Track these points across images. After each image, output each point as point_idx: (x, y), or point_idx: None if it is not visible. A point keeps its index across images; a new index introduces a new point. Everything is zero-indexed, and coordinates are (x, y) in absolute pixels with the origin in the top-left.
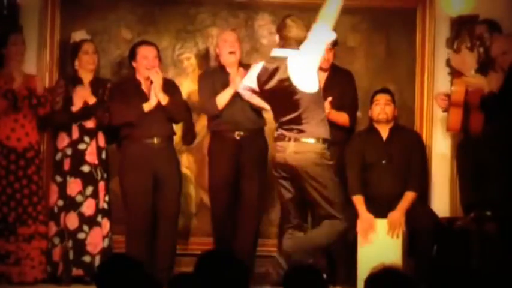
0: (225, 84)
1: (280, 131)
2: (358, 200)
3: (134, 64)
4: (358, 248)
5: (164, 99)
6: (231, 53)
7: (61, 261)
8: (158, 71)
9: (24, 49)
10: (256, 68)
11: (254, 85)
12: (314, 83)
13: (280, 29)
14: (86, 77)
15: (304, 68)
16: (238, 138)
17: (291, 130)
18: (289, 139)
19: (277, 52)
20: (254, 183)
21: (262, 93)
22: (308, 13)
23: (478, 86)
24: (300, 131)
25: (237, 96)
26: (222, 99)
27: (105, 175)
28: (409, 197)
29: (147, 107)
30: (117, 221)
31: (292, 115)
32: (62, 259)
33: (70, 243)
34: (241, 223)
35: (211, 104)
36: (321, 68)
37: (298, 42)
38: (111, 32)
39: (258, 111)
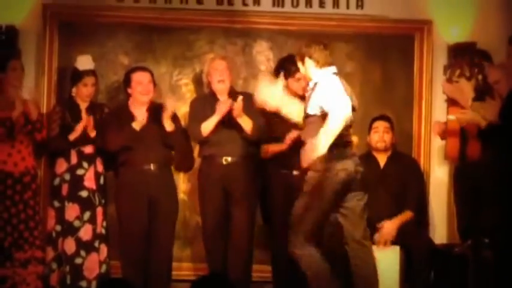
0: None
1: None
2: None
3: (129, 91)
4: None
5: (170, 126)
6: (220, 81)
7: (58, 286)
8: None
9: (22, 75)
10: (338, 82)
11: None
12: None
13: (314, 52)
14: (83, 104)
15: None
16: (225, 163)
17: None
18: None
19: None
20: (244, 208)
21: None
22: (304, 38)
23: (472, 122)
24: None
25: (224, 123)
26: (207, 126)
27: (103, 201)
28: (404, 214)
29: (137, 125)
30: (115, 246)
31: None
32: (60, 284)
33: (67, 268)
34: (232, 249)
35: (196, 130)
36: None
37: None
38: (109, 58)
39: (247, 138)
